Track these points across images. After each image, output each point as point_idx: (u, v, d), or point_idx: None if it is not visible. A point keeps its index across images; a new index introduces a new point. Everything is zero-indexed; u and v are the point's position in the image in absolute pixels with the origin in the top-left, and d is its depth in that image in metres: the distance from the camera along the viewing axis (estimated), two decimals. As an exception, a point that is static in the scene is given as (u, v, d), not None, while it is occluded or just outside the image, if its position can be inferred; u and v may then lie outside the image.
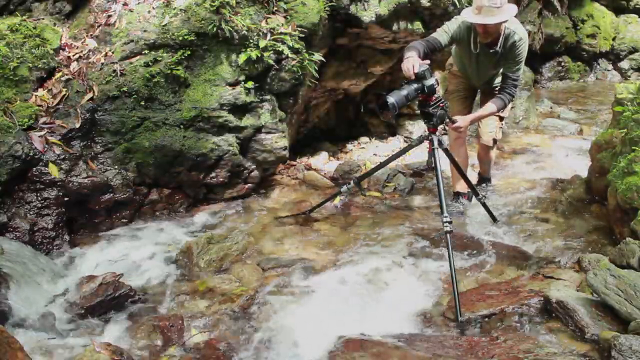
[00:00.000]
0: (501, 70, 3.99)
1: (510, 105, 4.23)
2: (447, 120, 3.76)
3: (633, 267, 2.89)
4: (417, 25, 5.29)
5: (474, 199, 4.18)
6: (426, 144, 3.62)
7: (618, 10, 10.25)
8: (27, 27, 4.05)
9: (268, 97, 4.45)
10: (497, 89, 4.08)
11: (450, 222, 3.22)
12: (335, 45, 5.09)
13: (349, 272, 3.46)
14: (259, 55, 4.22)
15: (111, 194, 4.03)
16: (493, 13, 3.55)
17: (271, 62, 4.31)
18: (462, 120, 3.91)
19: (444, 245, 3.45)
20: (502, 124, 4.32)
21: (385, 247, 3.79)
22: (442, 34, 3.83)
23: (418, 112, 4.41)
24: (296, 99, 4.69)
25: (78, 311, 3.02)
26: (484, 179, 4.73)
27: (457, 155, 4.15)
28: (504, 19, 3.63)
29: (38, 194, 3.73)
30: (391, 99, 3.23)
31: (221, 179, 4.39)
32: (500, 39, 3.80)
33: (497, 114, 4.11)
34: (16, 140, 3.65)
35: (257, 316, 3.06)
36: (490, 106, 3.93)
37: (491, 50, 3.86)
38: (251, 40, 4.25)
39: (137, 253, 3.74)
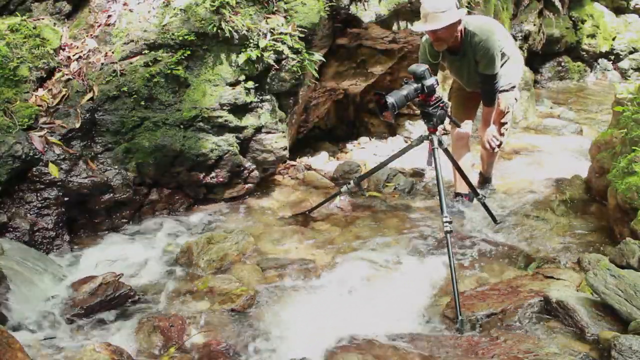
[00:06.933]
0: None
1: (512, 108, 4.27)
2: (449, 120, 3.76)
3: (633, 267, 2.89)
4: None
5: (474, 199, 4.18)
6: (426, 143, 3.62)
7: (618, 10, 10.28)
8: (27, 27, 4.05)
9: (268, 97, 4.45)
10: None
11: (450, 222, 3.22)
12: (335, 45, 5.09)
13: (349, 272, 3.46)
14: (259, 55, 4.22)
15: (111, 194, 4.02)
16: (438, 19, 3.52)
17: (271, 62, 4.31)
18: (497, 133, 4.17)
19: (444, 245, 3.45)
20: (506, 127, 4.33)
21: (385, 247, 3.79)
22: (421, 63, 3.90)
23: (418, 112, 4.42)
24: (296, 99, 4.69)
25: (78, 311, 3.01)
26: (485, 179, 4.72)
27: (459, 156, 4.15)
28: (450, 22, 3.54)
29: (38, 194, 3.73)
30: (391, 99, 3.23)
31: (221, 179, 4.39)
32: (462, 43, 3.77)
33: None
34: (16, 140, 3.64)
35: (257, 316, 3.06)
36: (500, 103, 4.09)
37: (456, 56, 3.86)
38: (251, 40, 4.25)
39: (137, 253, 3.74)
